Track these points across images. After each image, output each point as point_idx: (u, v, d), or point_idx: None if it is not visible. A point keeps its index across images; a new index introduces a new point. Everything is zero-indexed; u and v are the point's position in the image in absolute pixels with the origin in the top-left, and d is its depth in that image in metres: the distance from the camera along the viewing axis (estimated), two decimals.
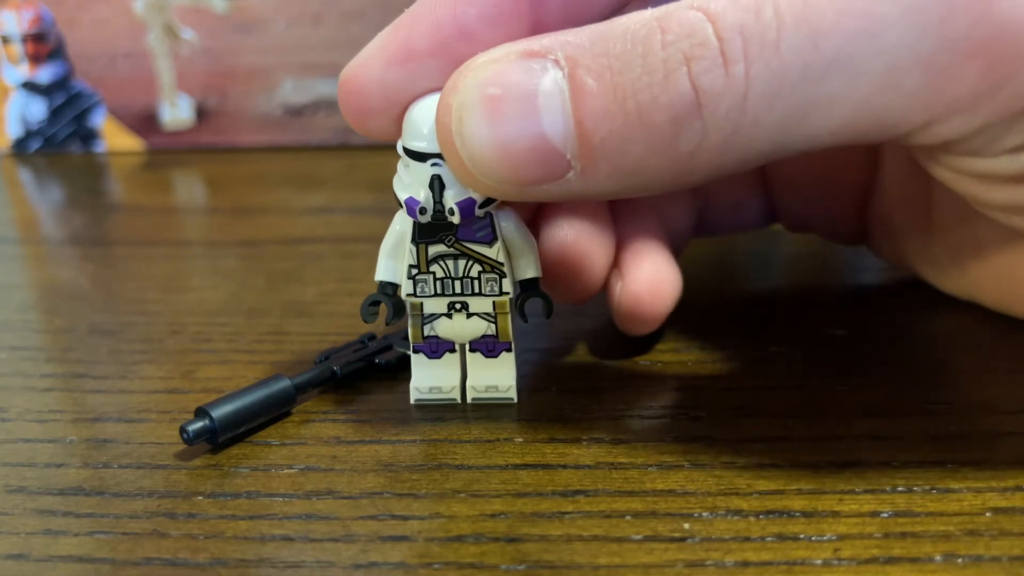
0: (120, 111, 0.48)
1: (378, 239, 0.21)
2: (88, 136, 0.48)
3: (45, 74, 0.48)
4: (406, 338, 0.21)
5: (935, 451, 0.19)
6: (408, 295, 0.20)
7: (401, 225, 0.20)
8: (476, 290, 0.20)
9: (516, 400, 0.21)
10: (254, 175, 0.44)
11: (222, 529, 0.17)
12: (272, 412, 0.21)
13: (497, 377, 0.21)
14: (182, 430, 0.19)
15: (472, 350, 0.21)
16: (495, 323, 0.21)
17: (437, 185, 0.19)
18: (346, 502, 0.18)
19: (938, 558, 0.16)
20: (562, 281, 0.22)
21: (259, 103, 0.48)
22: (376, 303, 0.21)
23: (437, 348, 0.21)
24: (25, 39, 0.47)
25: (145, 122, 0.48)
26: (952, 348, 0.23)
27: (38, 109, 0.48)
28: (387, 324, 0.21)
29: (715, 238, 0.28)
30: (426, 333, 0.21)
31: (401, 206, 0.20)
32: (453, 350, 0.21)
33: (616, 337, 0.24)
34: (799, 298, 0.27)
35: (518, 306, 0.21)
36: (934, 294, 0.26)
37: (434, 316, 0.21)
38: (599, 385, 0.22)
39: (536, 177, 0.17)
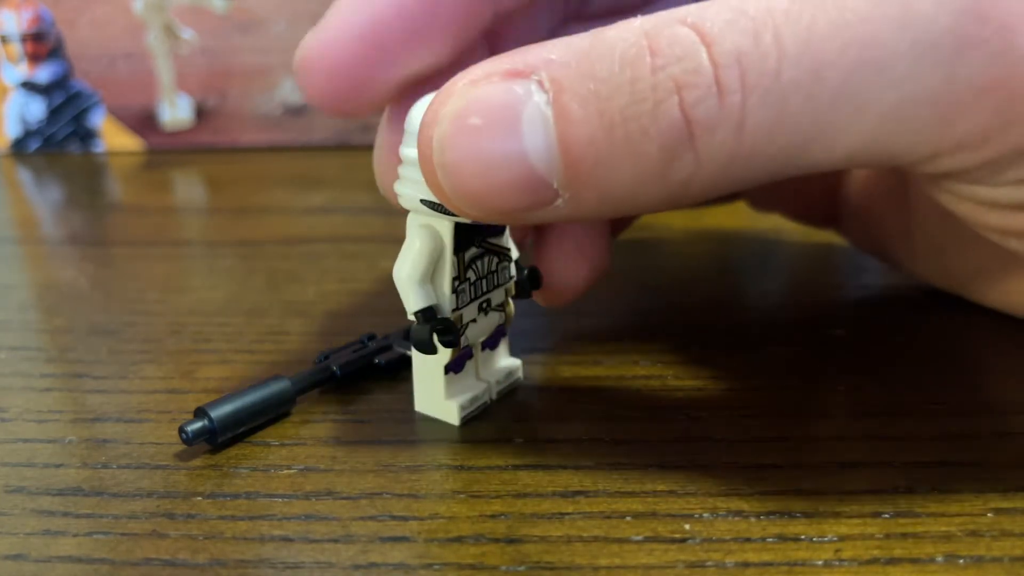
0: (120, 111, 0.48)
1: (378, 239, 0.21)
2: (87, 136, 0.48)
3: (44, 74, 0.48)
4: (406, 338, 0.21)
5: (936, 451, 0.19)
6: (454, 310, 0.20)
7: (426, 243, 0.19)
8: (497, 282, 0.21)
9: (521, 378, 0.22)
10: (254, 175, 0.44)
11: (221, 530, 0.17)
12: (271, 412, 0.21)
13: (505, 361, 0.22)
14: (181, 430, 0.19)
15: (482, 349, 0.21)
16: (504, 311, 0.21)
17: None
18: (346, 502, 0.18)
19: (939, 559, 0.16)
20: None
21: (259, 103, 0.48)
22: (440, 330, 0.19)
23: (460, 361, 0.21)
24: (24, 39, 0.47)
25: (145, 122, 0.48)
26: (952, 348, 0.23)
27: (37, 109, 0.48)
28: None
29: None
30: (461, 344, 0.20)
31: (437, 210, 0.18)
32: (471, 356, 0.21)
33: (616, 337, 0.24)
34: (799, 298, 0.27)
35: (516, 283, 0.21)
36: (933, 294, 0.26)
37: (469, 324, 0.20)
38: (599, 385, 0.22)
39: (522, 206, 0.16)
